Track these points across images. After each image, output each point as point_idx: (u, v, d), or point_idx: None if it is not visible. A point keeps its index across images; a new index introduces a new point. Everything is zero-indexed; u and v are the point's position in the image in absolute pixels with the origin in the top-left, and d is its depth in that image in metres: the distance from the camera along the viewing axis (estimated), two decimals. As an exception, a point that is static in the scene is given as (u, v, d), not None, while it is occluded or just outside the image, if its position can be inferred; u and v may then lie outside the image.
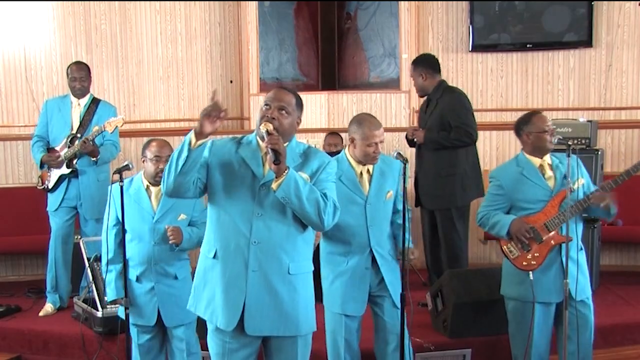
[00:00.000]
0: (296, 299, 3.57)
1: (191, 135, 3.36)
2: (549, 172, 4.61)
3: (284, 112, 3.52)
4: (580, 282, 4.52)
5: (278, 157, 3.32)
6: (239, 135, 3.68)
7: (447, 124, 6.11)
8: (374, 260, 4.53)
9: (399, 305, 4.50)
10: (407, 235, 4.44)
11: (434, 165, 6.17)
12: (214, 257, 3.56)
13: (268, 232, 3.48)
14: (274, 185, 3.38)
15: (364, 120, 4.53)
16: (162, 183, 3.52)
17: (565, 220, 4.45)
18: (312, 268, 3.72)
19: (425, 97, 6.42)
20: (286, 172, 3.35)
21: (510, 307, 4.75)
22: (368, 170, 4.55)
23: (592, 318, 4.63)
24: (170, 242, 4.47)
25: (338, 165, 4.34)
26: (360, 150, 4.47)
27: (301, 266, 3.59)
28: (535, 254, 4.55)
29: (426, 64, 6.33)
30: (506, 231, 4.55)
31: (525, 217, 4.57)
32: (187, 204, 4.56)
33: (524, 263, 4.58)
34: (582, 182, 4.60)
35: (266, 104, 3.54)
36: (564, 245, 4.50)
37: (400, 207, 4.63)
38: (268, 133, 3.39)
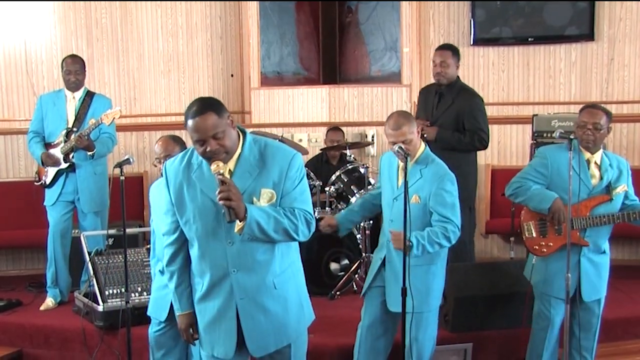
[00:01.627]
0: (288, 307, 3.53)
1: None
2: (595, 171, 4.54)
3: (218, 138, 3.25)
4: (595, 283, 4.52)
5: (231, 216, 3.19)
6: (188, 150, 3.46)
7: (461, 125, 5.99)
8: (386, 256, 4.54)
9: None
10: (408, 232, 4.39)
11: None
12: (201, 290, 3.51)
13: (244, 257, 3.39)
14: (236, 230, 3.27)
15: (389, 120, 4.44)
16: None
17: (591, 224, 4.47)
18: (298, 261, 3.65)
19: (432, 91, 6.26)
20: (246, 216, 3.21)
21: (535, 301, 4.77)
22: (404, 167, 4.30)
23: (599, 318, 4.64)
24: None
25: (392, 156, 4.47)
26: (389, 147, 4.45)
27: (285, 276, 3.52)
28: (550, 244, 4.54)
29: (459, 56, 6.20)
30: (549, 206, 4.47)
31: None
32: None
33: (535, 247, 4.59)
34: (623, 189, 4.56)
35: (198, 141, 3.26)
36: (584, 248, 4.49)
37: (434, 224, 4.39)
38: (220, 182, 3.19)
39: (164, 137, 4.60)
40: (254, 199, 3.33)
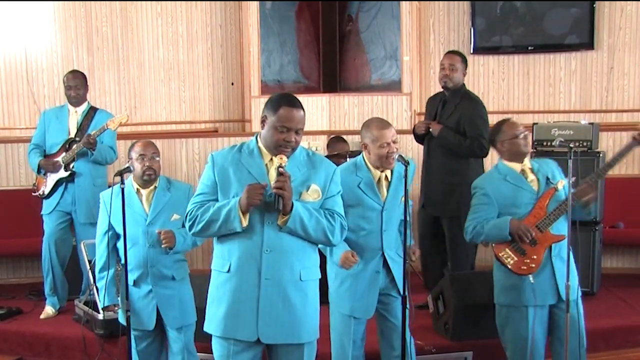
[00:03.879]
0: (307, 306, 3.60)
1: (239, 213, 3.43)
2: (531, 176, 4.56)
3: (299, 133, 3.57)
4: (572, 282, 4.50)
5: (280, 205, 3.40)
6: (238, 144, 3.67)
7: (462, 131, 5.97)
8: (384, 263, 4.46)
9: (406, 304, 4.45)
10: (409, 233, 4.40)
11: (443, 173, 6.03)
12: (228, 271, 3.55)
13: (279, 240, 3.50)
14: (279, 222, 3.45)
15: (371, 123, 4.45)
16: (191, 227, 3.58)
17: (553, 219, 4.46)
18: (320, 275, 3.73)
19: (437, 99, 6.24)
20: (291, 210, 3.42)
21: (503, 314, 4.68)
22: (386, 177, 4.43)
23: (580, 320, 4.59)
24: (163, 246, 4.43)
25: (356, 171, 4.40)
26: (374, 154, 4.36)
27: (311, 272, 3.63)
28: (533, 257, 4.52)
29: (467, 64, 6.21)
30: (507, 232, 4.49)
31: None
32: (180, 203, 4.48)
33: (523, 267, 4.52)
34: (563, 184, 4.56)
35: (284, 128, 3.52)
36: (554, 246, 4.49)
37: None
38: (279, 173, 3.43)
39: (143, 140, 4.74)
40: (302, 191, 3.55)
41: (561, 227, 4.53)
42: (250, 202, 3.41)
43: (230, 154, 3.61)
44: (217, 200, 3.57)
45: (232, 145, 3.69)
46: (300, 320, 3.57)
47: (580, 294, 4.60)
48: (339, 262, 4.23)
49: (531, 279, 4.49)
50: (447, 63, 6.05)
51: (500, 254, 4.59)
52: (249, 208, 3.43)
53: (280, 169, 3.44)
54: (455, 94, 6.08)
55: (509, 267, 4.54)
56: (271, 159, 3.55)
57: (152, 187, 4.57)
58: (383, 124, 4.42)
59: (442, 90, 6.20)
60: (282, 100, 3.57)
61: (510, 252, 4.56)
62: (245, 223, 3.45)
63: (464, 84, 6.17)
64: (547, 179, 4.56)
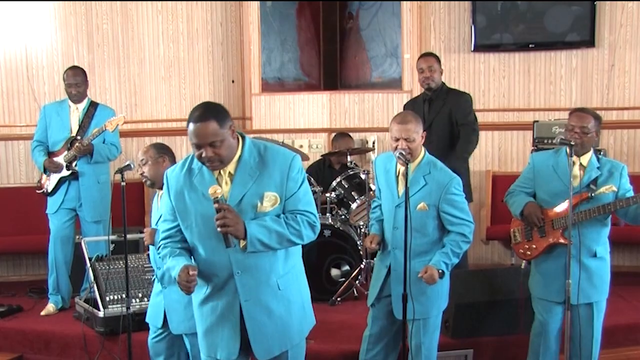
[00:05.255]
0: (291, 310, 3.56)
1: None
2: (576, 171, 4.53)
3: (215, 146, 3.29)
4: (583, 287, 4.51)
5: (230, 242, 3.29)
6: (188, 156, 3.53)
7: (454, 122, 6.30)
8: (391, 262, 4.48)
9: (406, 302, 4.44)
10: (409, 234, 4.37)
11: None
12: (204, 293, 3.53)
13: (247, 259, 3.41)
14: (240, 247, 3.34)
15: (396, 115, 4.46)
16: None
17: (570, 222, 4.43)
18: (300, 265, 3.68)
19: (419, 101, 6.54)
20: (247, 234, 3.28)
21: (534, 303, 4.81)
22: (405, 172, 4.28)
23: (595, 324, 4.62)
24: (145, 243, 4.45)
25: (389, 161, 4.44)
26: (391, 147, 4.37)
27: (289, 277, 3.56)
28: (533, 246, 4.65)
29: (440, 62, 6.54)
30: (520, 211, 4.63)
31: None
32: None
33: (521, 251, 4.76)
34: (610, 190, 4.54)
35: (195, 145, 3.33)
36: (572, 248, 4.47)
37: (450, 228, 4.38)
38: (216, 209, 3.26)
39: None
40: (258, 204, 3.37)
41: (594, 237, 4.57)
42: (185, 291, 3.39)
43: (182, 175, 3.48)
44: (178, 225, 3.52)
45: (185, 157, 3.56)
46: (289, 327, 3.55)
47: (598, 300, 4.64)
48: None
49: (523, 265, 4.60)
50: (426, 66, 6.40)
51: (512, 229, 4.84)
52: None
53: (216, 205, 3.26)
54: (440, 92, 6.43)
55: (513, 245, 4.77)
56: (220, 173, 3.40)
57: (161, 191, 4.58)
58: (401, 118, 4.39)
59: (420, 93, 6.58)
60: (190, 115, 3.33)
61: (518, 232, 4.78)
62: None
63: (443, 82, 6.51)
64: (596, 180, 4.54)
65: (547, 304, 4.65)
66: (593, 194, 4.50)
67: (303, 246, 3.63)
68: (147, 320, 4.64)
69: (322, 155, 7.32)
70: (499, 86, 8.05)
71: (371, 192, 6.43)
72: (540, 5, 7.78)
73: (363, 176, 6.60)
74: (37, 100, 7.84)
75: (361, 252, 6.45)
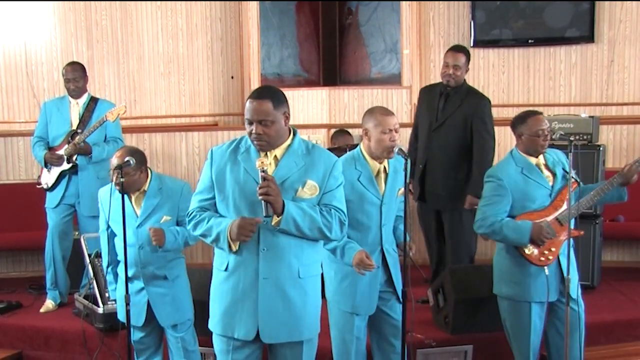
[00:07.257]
0: (307, 303, 3.59)
1: (228, 240, 3.44)
2: (546, 172, 4.55)
3: (265, 125, 3.45)
4: (573, 279, 4.51)
5: (270, 210, 3.37)
6: (237, 138, 3.65)
7: (469, 126, 5.96)
8: (383, 258, 4.41)
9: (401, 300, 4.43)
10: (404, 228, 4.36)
11: (445, 166, 6.02)
12: (226, 269, 3.56)
13: (275, 239, 3.48)
14: (273, 223, 3.41)
15: (375, 109, 4.43)
16: (194, 228, 3.60)
17: (579, 210, 4.45)
18: (321, 271, 3.73)
19: (436, 91, 6.15)
20: (283, 211, 3.38)
21: (505, 306, 4.69)
22: (385, 169, 4.36)
23: (582, 315, 4.61)
24: (153, 243, 4.43)
25: (355, 164, 4.32)
26: (375, 140, 4.27)
27: (310, 269, 3.61)
28: (552, 249, 4.49)
29: (470, 59, 6.12)
30: (528, 238, 4.43)
31: (535, 212, 4.50)
32: (171, 204, 4.56)
33: (542, 258, 4.50)
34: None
35: (247, 120, 3.49)
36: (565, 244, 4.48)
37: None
38: (262, 178, 3.37)
39: (124, 147, 4.74)
40: (298, 188, 3.50)
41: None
42: (240, 238, 3.42)
43: (228, 151, 3.59)
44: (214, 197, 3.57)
45: (232, 139, 3.67)
46: (301, 318, 3.57)
47: (580, 291, 4.61)
48: (352, 261, 4.13)
49: (546, 271, 4.49)
50: (452, 63, 5.96)
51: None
52: (239, 240, 3.42)
53: (262, 174, 3.38)
54: (459, 89, 6.05)
55: (529, 257, 4.50)
56: (266, 155, 3.51)
57: (141, 191, 4.57)
58: (387, 111, 4.40)
59: (438, 83, 6.18)
60: (251, 93, 3.56)
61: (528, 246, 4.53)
62: (235, 248, 3.46)
63: (465, 79, 6.14)
64: (565, 171, 4.52)
65: (539, 305, 4.60)
66: (579, 181, 4.50)
67: None
68: (120, 318, 4.65)
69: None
70: (499, 82, 8.05)
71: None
72: (540, 0, 7.78)
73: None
74: (37, 96, 7.83)
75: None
